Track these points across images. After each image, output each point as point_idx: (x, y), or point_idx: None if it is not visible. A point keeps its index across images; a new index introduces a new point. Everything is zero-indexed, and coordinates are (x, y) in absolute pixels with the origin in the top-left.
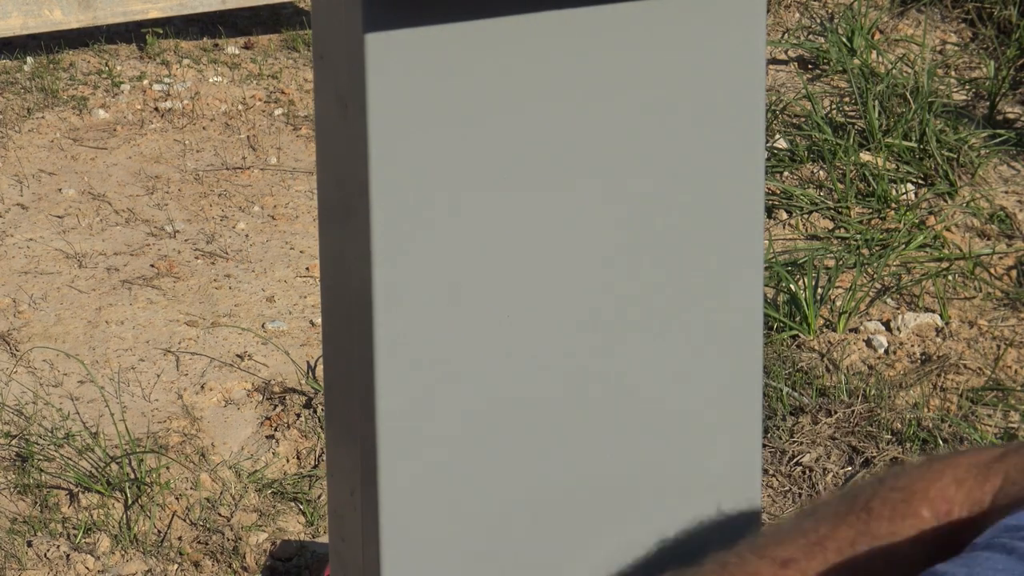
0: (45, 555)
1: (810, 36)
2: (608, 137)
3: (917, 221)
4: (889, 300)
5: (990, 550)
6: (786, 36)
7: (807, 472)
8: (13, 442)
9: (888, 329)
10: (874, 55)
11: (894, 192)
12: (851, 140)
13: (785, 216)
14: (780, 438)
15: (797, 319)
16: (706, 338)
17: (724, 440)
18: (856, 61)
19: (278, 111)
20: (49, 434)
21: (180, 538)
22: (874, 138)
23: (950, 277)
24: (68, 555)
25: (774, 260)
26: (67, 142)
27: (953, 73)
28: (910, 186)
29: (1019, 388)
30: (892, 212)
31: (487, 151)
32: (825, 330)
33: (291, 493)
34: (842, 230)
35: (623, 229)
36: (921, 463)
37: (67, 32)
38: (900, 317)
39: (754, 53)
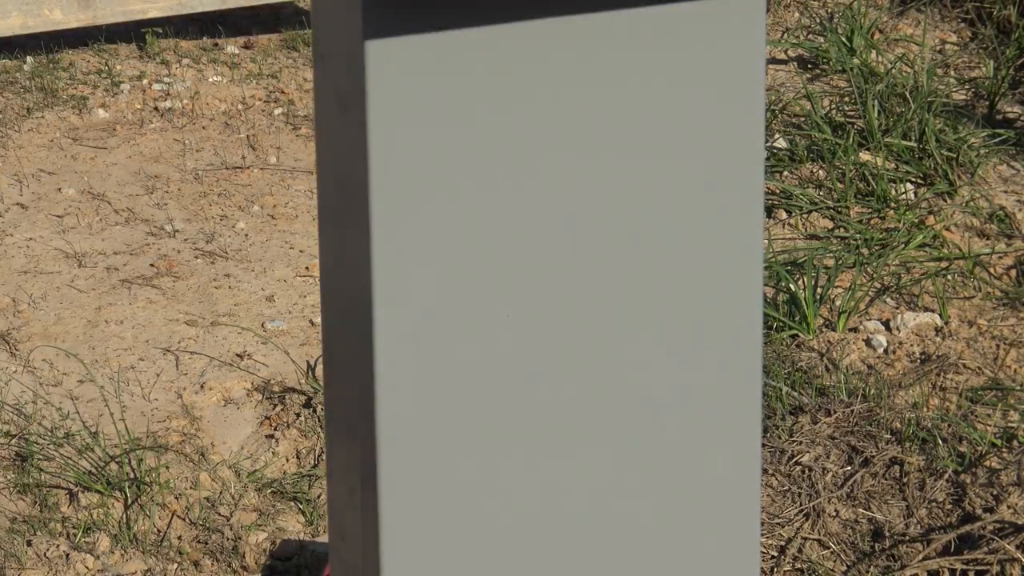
0: (45, 554)
1: (809, 36)
2: (606, 137)
3: (916, 221)
4: (888, 300)
5: None
6: (786, 35)
7: (806, 471)
8: (13, 441)
9: (887, 329)
10: (873, 55)
11: (893, 192)
12: (850, 140)
13: (785, 216)
14: (779, 437)
15: (796, 319)
16: (705, 337)
17: (723, 439)
18: (856, 61)
19: (278, 111)
20: (49, 433)
21: (180, 537)
22: (873, 138)
23: (949, 277)
24: (68, 554)
25: (774, 260)
26: (67, 142)
27: (952, 73)
28: (909, 186)
29: (1019, 387)
30: (891, 212)
31: (487, 152)
32: (824, 330)
33: (291, 492)
34: (841, 230)
35: (622, 228)
36: None
37: (67, 32)
38: (899, 317)
39: (754, 53)
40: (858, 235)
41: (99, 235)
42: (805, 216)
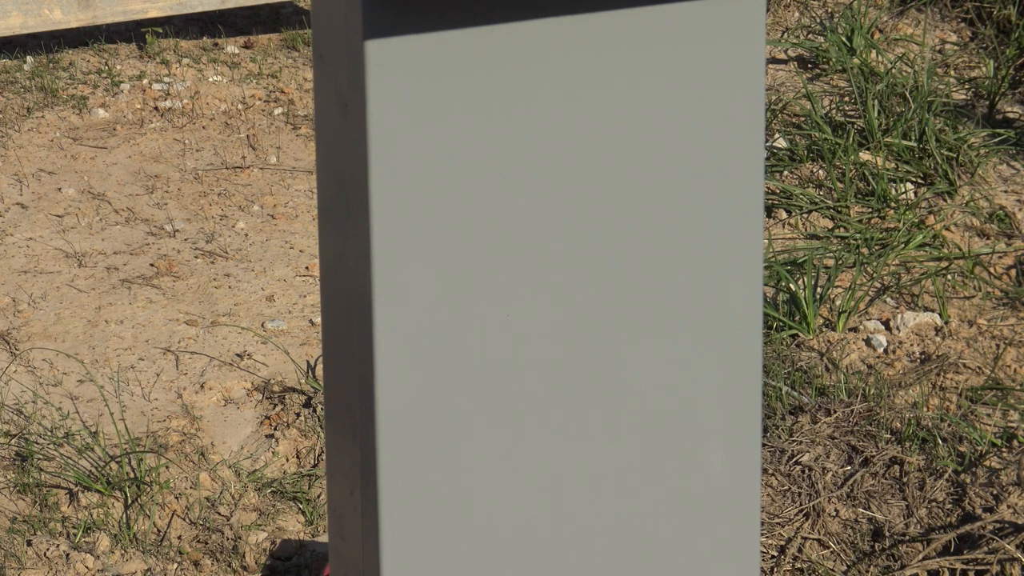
0: (45, 554)
1: (809, 35)
2: (606, 137)
3: (916, 220)
4: (888, 299)
5: None
6: (786, 35)
7: (806, 471)
8: (13, 441)
9: (887, 328)
10: (874, 54)
11: (893, 191)
12: (850, 139)
13: (784, 215)
14: (779, 437)
15: (796, 318)
16: (706, 337)
17: (723, 439)
18: (856, 60)
19: (278, 110)
20: (49, 433)
21: (180, 537)
22: (873, 137)
23: (949, 276)
24: (68, 554)
25: (773, 259)
26: (67, 141)
27: (952, 72)
28: (909, 185)
29: (1018, 387)
30: (891, 211)
31: (487, 151)
32: (824, 329)
33: (291, 492)
34: (841, 229)
35: (622, 228)
36: None
37: (67, 31)
38: (899, 316)
39: (754, 53)
40: (858, 235)
41: (99, 235)
42: (805, 216)
